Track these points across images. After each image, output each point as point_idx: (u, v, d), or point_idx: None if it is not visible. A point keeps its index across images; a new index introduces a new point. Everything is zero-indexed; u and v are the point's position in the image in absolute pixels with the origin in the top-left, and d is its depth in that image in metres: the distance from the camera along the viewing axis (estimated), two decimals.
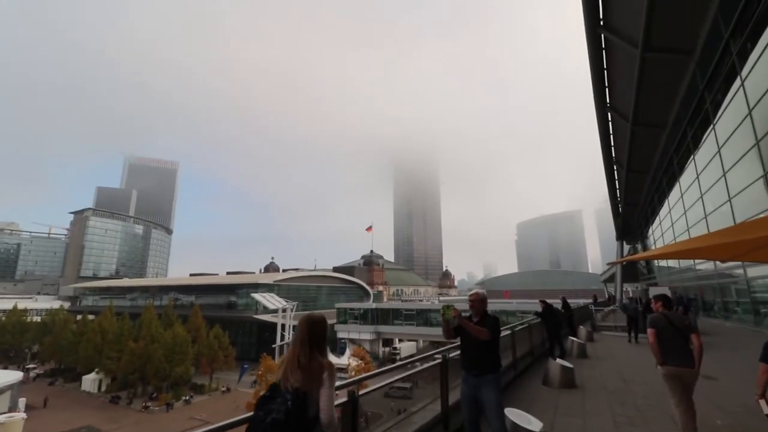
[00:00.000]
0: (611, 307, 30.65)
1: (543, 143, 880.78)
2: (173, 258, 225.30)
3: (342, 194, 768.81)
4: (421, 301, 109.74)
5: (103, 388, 44.99)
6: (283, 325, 47.14)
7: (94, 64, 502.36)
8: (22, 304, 72.48)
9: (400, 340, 65.06)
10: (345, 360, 43.26)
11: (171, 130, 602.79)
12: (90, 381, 45.26)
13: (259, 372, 31.95)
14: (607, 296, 43.20)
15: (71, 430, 33.86)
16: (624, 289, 42.68)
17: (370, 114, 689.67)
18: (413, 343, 64.86)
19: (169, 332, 43.41)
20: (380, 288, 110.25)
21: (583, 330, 14.06)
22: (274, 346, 45.13)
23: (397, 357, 58.41)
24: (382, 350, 62.86)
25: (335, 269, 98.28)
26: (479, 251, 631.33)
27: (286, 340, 46.35)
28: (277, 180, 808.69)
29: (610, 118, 20.74)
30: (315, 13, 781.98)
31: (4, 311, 65.76)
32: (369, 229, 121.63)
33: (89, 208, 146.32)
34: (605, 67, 17.30)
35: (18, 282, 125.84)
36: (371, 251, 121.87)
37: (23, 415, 29.84)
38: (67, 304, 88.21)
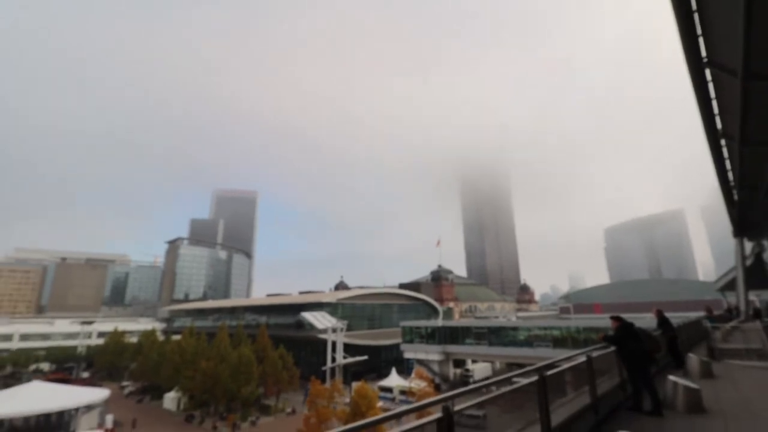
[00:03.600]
0: (734, 323, 23.76)
1: (628, 137, 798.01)
2: (256, 281, 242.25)
3: (410, 210, 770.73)
4: (496, 317, 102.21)
5: (182, 407, 47.15)
6: (334, 345, 45.29)
7: (192, 118, 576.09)
8: (125, 326, 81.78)
9: (474, 361, 60.10)
10: (408, 383, 40.28)
11: (249, 161, 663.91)
12: (170, 399, 47.80)
13: (309, 399, 30.22)
14: (726, 308, 34.69)
15: None
16: (750, 298, 34.08)
17: (433, 126, 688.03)
18: (488, 365, 59.38)
19: (235, 352, 44.31)
20: (450, 304, 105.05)
21: (695, 360, 9.84)
22: (324, 368, 43.33)
23: (470, 380, 53.77)
24: (453, 371, 58.72)
25: (401, 286, 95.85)
26: (563, 261, 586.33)
27: (338, 361, 44.46)
28: (346, 200, 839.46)
29: (709, 77, 15.88)
30: (379, 35, 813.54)
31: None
32: (438, 243, 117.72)
33: (180, 238, 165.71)
34: (694, 9, 13.15)
35: (127, 306, 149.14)
36: (439, 266, 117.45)
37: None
38: (162, 326, 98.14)
